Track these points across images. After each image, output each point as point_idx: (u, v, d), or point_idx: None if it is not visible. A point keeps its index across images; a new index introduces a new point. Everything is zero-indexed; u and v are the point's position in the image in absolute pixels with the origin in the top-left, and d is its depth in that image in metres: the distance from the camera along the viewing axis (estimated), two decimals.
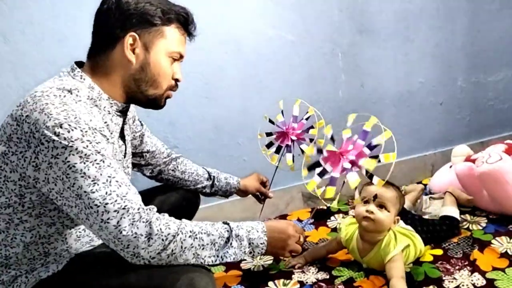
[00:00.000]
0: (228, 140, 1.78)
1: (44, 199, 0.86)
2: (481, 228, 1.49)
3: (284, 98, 1.83)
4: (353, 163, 1.14)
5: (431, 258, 1.34)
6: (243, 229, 0.97)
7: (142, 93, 0.96)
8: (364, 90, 1.97)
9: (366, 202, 1.21)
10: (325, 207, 1.84)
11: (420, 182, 2.00)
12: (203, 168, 1.42)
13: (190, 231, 0.88)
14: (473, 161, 1.59)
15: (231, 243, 0.93)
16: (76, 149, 0.79)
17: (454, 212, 1.49)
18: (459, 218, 1.49)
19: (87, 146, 0.80)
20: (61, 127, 0.78)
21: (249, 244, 0.97)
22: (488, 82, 2.22)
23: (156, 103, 0.99)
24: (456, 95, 2.18)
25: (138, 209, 0.82)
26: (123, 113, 1.00)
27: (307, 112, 1.45)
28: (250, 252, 0.98)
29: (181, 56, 0.99)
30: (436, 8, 2.02)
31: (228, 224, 0.97)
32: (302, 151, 1.44)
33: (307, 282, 1.30)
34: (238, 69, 1.74)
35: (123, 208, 0.80)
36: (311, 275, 1.33)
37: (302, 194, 1.93)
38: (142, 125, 1.26)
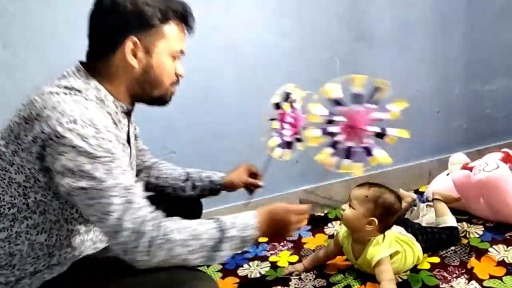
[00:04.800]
0: (227, 145, 1.78)
1: (49, 198, 0.86)
2: (478, 236, 1.50)
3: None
4: (379, 135, 1.10)
5: (428, 266, 1.35)
6: (236, 227, 0.90)
7: (147, 94, 0.96)
8: None
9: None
10: (322, 214, 1.84)
11: (417, 190, 2.01)
12: (183, 169, 1.32)
13: (180, 239, 0.84)
14: (470, 169, 1.60)
15: (222, 246, 0.88)
16: (88, 147, 0.78)
17: (450, 221, 1.48)
18: (457, 225, 1.49)
19: (100, 144, 0.80)
20: (75, 123, 0.78)
21: (241, 241, 0.91)
22: (484, 90, 2.24)
23: (161, 101, 0.99)
24: (453, 104, 2.19)
25: (140, 207, 0.82)
26: (128, 114, 0.99)
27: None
28: (242, 247, 0.92)
29: (182, 52, 0.97)
30: (434, 17, 2.03)
31: (219, 222, 0.90)
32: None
33: None
34: (237, 75, 1.75)
35: (128, 202, 0.80)
36: (309, 282, 1.33)
37: (300, 201, 1.93)
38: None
